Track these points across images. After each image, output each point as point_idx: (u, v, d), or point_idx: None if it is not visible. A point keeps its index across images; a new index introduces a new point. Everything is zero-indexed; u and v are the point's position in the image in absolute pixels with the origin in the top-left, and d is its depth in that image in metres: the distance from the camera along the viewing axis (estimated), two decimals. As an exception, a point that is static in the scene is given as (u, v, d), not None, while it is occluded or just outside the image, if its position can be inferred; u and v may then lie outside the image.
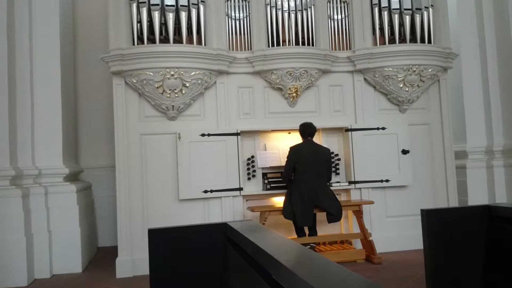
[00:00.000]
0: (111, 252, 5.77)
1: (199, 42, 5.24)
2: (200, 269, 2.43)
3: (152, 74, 5.01)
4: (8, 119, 5.00)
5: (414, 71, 5.59)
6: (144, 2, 5.05)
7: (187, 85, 5.10)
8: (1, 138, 4.95)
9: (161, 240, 2.44)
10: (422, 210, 3.01)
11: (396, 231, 5.58)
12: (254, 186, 5.36)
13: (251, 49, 5.47)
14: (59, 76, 5.52)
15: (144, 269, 4.80)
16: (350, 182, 5.51)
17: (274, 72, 5.39)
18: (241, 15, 5.49)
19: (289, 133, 5.53)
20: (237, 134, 5.29)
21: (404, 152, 5.62)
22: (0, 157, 4.92)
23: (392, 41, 5.71)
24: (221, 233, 2.49)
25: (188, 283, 2.41)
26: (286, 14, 5.43)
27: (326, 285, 1.18)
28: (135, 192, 5.08)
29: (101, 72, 6.65)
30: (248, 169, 5.38)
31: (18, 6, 5.30)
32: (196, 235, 2.49)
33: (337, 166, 5.59)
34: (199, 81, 5.17)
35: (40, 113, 5.37)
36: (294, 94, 5.47)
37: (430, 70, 5.67)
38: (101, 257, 6.01)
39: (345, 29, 5.76)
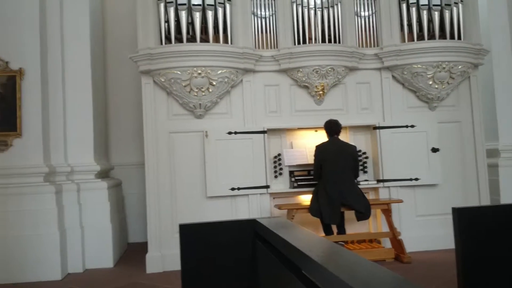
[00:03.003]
0: (141, 248, 5.89)
1: (226, 40, 5.28)
2: (229, 264, 2.46)
3: (179, 73, 5.08)
4: (41, 118, 5.18)
5: (444, 68, 5.49)
6: (172, 2, 5.13)
7: (214, 83, 5.15)
8: (35, 137, 5.13)
9: (192, 235, 2.49)
10: (453, 209, 2.95)
11: (425, 230, 5.50)
12: (281, 184, 5.37)
13: (277, 47, 5.48)
14: (89, 75, 5.67)
15: (173, 264, 4.90)
16: (379, 181, 5.45)
17: (300, 70, 5.38)
18: (267, 13, 5.51)
19: (316, 131, 5.51)
20: (263, 132, 5.31)
21: (434, 150, 5.53)
22: (34, 154, 5.10)
23: (420, 37, 5.62)
24: (250, 229, 2.51)
25: (218, 277, 2.45)
26: (312, 12, 5.41)
27: (356, 279, 1.19)
28: (164, 189, 5.17)
29: (130, 71, 6.78)
30: (275, 167, 5.40)
31: (49, 8, 5.47)
32: (226, 230, 2.52)
33: (365, 164, 5.54)
34: (226, 80, 5.21)
35: (72, 112, 5.52)
36: (321, 92, 5.45)
37: (460, 67, 5.55)
38: (131, 252, 6.14)
39: (373, 26, 5.70)
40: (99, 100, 6.19)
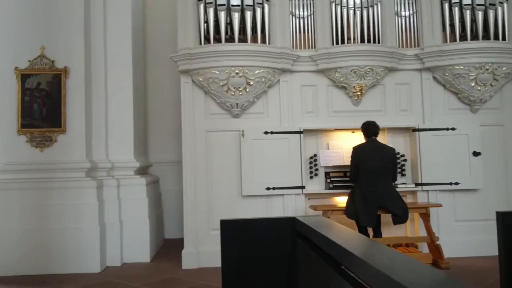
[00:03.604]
0: (177, 244, 6.00)
1: (263, 40, 5.31)
2: (268, 260, 2.48)
3: (217, 72, 5.15)
4: (84, 115, 5.37)
5: (487, 69, 5.32)
6: (211, 3, 5.20)
7: (251, 83, 5.18)
8: (78, 133, 5.33)
9: (232, 231, 2.52)
10: (498, 213, 2.86)
11: (465, 236, 5.34)
12: (317, 185, 5.34)
13: (314, 47, 5.46)
14: (131, 75, 5.83)
15: (208, 261, 4.97)
16: (417, 184, 5.34)
17: (338, 70, 5.34)
18: (305, 13, 5.50)
19: (353, 132, 5.46)
20: (300, 132, 5.30)
21: (476, 154, 5.37)
22: (77, 150, 5.29)
23: (463, 38, 5.47)
24: (289, 227, 2.52)
25: (257, 273, 2.47)
26: (351, 12, 5.36)
27: (397, 272, 1.20)
28: (200, 187, 5.24)
29: (169, 71, 6.92)
30: (311, 167, 5.38)
31: (94, 9, 5.67)
32: (265, 228, 2.54)
33: (403, 167, 5.44)
34: (263, 79, 5.24)
35: (114, 109, 5.70)
36: (359, 93, 5.40)
37: (504, 69, 5.37)
38: (167, 248, 6.26)
39: (413, 26, 5.59)
40: (139, 98, 6.35)
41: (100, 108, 5.63)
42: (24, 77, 5.40)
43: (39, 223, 5.00)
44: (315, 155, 5.39)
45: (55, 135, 5.36)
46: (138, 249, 5.43)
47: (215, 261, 4.76)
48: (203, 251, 5.09)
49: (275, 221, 2.58)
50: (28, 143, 5.30)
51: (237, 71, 5.13)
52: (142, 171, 6.07)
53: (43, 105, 5.39)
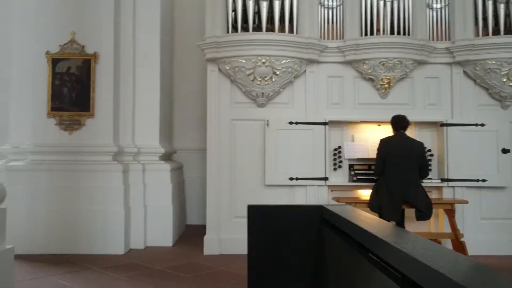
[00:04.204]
0: (199, 230, 6.08)
1: (291, 30, 5.28)
2: (295, 248, 2.49)
3: (244, 61, 5.15)
4: (112, 100, 5.46)
5: (521, 64, 5.18)
6: (240, -8, 5.20)
7: (277, 73, 5.17)
8: (106, 117, 5.42)
9: (259, 217, 2.54)
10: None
11: (490, 234, 5.24)
12: (340, 177, 5.32)
13: (342, 38, 5.40)
14: (158, 62, 5.90)
15: (229, 248, 5.02)
16: (443, 180, 5.26)
17: (366, 62, 5.28)
18: (334, 3, 5.45)
19: (379, 125, 5.39)
20: (325, 123, 5.28)
21: (505, 151, 5.25)
22: (105, 134, 5.40)
23: (496, 32, 5.33)
24: (316, 215, 2.53)
25: (283, 260, 2.49)
26: (381, 3, 5.28)
27: (434, 260, 1.19)
28: (223, 174, 5.28)
29: (195, 59, 6.96)
30: (335, 159, 5.35)
31: (124, -1, 5.74)
32: (292, 215, 2.55)
33: (429, 162, 5.36)
34: (289, 69, 5.22)
35: (141, 95, 5.78)
36: (386, 85, 5.33)
37: (539, 64, 5.22)
38: (189, 234, 6.34)
39: (445, 19, 5.47)
40: (165, 86, 6.41)
41: (127, 93, 5.71)
42: (55, 61, 5.51)
43: (66, 204, 5.13)
44: (339, 147, 5.36)
45: (84, 119, 5.46)
46: (161, 233, 5.53)
47: (236, 248, 4.85)
48: (225, 238, 5.14)
49: (302, 208, 2.59)
50: (57, 126, 5.42)
51: (263, 61, 5.13)
52: (167, 157, 6.15)
53: (73, 89, 5.49)
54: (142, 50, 5.81)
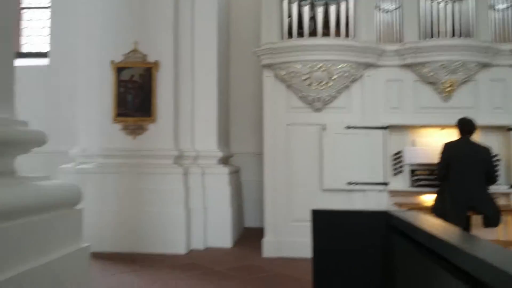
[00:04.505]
0: (256, 233, 6.16)
1: (347, 35, 5.26)
2: (361, 253, 2.50)
3: (300, 66, 5.20)
4: (173, 106, 5.70)
5: None
6: (296, -2, 5.25)
7: (334, 77, 5.17)
8: (167, 123, 5.67)
9: (323, 221, 2.57)
10: None
11: (563, 243, 4.97)
12: (400, 182, 5.22)
13: (400, 42, 5.33)
14: (215, 69, 6.07)
15: (288, 251, 5.08)
16: None
17: (427, 65, 5.17)
18: (391, 6, 5.38)
19: (442, 129, 5.24)
20: (383, 128, 5.21)
21: None
22: (166, 139, 5.64)
23: None
24: (382, 220, 2.52)
25: (349, 265, 2.51)
26: (441, 5, 5.16)
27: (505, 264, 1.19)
28: (280, 178, 5.34)
29: (251, 65, 7.09)
30: (395, 164, 5.26)
31: (182, 7, 5.95)
32: (357, 220, 2.56)
33: (496, 168, 5.15)
34: (346, 74, 5.21)
35: (199, 102, 5.97)
36: (449, 88, 5.19)
37: None
38: (247, 236, 6.43)
39: (510, 20, 5.26)
40: (222, 92, 6.58)
41: (186, 100, 5.92)
42: (119, 70, 5.81)
43: (131, 204, 5.39)
44: (399, 152, 5.27)
45: (146, 124, 5.72)
46: (220, 234, 5.67)
47: (295, 251, 4.89)
48: (283, 240, 5.19)
49: (367, 214, 2.58)
50: (122, 131, 5.71)
51: (320, 65, 5.15)
52: (225, 161, 6.30)
53: (136, 96, 5.77)
54: (200, 58, 6.00)
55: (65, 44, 7.16)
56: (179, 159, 5.70)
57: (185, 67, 5.95)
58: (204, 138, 5.93)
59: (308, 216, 2.46)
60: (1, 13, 2.25)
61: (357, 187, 5.17)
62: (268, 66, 5.43)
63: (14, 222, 2.00)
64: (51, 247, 2.30)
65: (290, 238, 5.12)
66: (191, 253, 5.41)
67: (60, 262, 2.34)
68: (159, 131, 5.67)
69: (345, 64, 5.18)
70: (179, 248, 5.31)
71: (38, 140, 2.48)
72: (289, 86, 5.42)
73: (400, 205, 4.90)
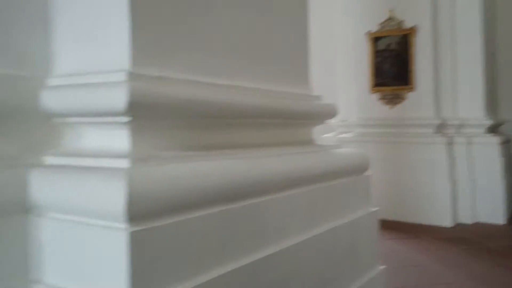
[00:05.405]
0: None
1: None
2: None
3: None
4: (432, 72, 5.44)
5: None
6: None
7: None
8: (426, 90, 5.46)
9: None
10: None
11: None
12: None
13: None
14: (479, 30, 5.50)
15: None
16: None
17: None
18: None
19: None
20: None
21: None
22: (425, 107, 5.45)
23: None
24: None
25: None
26: None
27: None
28: None
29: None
30: None
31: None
32: None
33: None
34: None
35: (461, 66, 5.50)
36: None
37: None
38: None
39: None
40: (488, 53, 5.90)
41: (447, 65, 5.54)
42: (374, 40, 5.83)
43: (392, 173, 5.43)
44: None
45: (404, 93, 5.62)
46: (490, 209, 5.21)
47: None
48: None
49: None
50: (379, 100, 5.76)
51: None
52: (493, 129, 5.69)
53: (392, 65, 5.71)
54: (462, 19, 5.49)
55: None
56: (441, 128, 5.43)
57: (444, 30, 5.54)
58: (469, 106, 5.46)
59: None
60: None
61: None
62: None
63: (315, 186, 2.22)
64: (347, 210, 2.50)
65: None
66: (458, 226, 5.14)
67: (354, 224, 2.54)
68: (417, 99, 5.49)
69: None
70: (444, 220, 5.11)
71: (331, 113, 2.71)
72: None
73: None
